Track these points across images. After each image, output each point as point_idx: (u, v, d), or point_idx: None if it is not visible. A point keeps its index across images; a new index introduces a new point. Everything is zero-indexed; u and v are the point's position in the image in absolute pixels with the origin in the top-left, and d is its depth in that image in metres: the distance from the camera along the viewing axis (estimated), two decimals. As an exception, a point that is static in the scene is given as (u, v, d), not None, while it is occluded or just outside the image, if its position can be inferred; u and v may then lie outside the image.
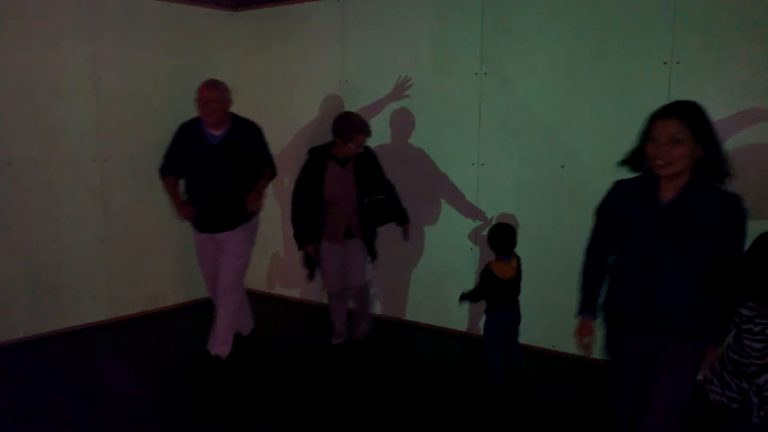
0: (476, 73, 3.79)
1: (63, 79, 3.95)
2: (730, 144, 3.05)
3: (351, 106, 4.39)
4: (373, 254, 3.74)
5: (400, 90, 4.12)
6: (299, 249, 3.64)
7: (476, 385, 3.32)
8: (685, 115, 1.85)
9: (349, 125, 3.45)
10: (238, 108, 5.30)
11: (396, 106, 4.17)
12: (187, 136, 3.44)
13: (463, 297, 3.37)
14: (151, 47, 4.38)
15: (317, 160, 3.56)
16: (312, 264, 3.67)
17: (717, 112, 3.05)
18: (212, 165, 3.38)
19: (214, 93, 3.33)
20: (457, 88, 3.88)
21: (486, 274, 3.28)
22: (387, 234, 4.15)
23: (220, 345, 3.51)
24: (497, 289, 3.27)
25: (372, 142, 4.31)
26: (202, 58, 4.72)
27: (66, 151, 4.00)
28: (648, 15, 3.21)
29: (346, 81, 4.41)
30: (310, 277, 3.71)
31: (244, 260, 3.59)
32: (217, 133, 3.39)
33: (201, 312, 4.38)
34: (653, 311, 1.95)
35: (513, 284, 3.31)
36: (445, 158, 4.02)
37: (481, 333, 3.52)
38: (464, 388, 3.32)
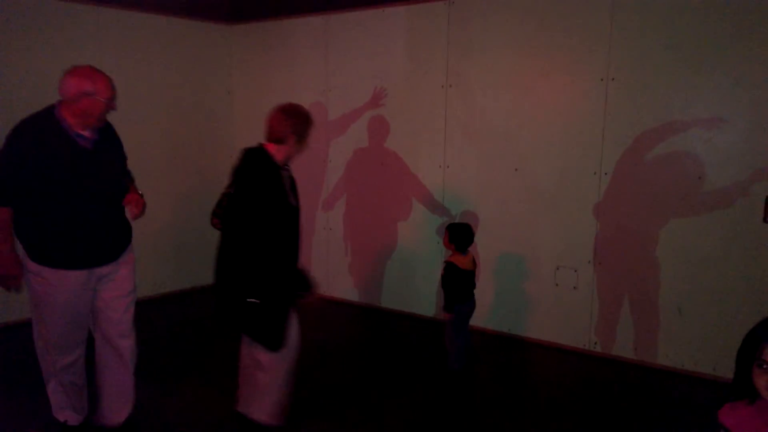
0: (442, 86, 4.25)
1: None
2: (657, 150, 3.53)
3: (333, 114, 4.86)
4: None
5: (377, 99, 4.58)
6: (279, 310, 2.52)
7: (438, 368, 3.74)
8: None
9: (309, 119, 2.65)
10: (233, 116, 5.81)
11: (373, 113, 4.62)
12: (46, 140, 2.42)
13: (448, 307, 3.53)
14: (150, 59, 4.82)
15: (274, 171, 2.49)
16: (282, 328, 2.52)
17: (646, 123, 3.55)
18: (91, 176, 2.51)
19: (111, 89, 2.51)
20: (426, 98, 4.34)
21: (452, 271, 3.50)
22: (366, 227, 4.62)
23: (129, 406, 2.77)
24: (462, 282, 3.53)
25: (351, 146, 4.79)
26: (199, 69, 5.18)
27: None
28: (587, 37, 3.68)
29: (329, 90, 4.86)
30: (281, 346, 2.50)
31: (135, 295, 2.74)
32: (87, 134, 2.52)
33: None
34: None
35: (472, 275, 3.60)
36: (415, 161, 4.48)
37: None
38: (427, 369, 3.76)
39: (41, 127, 2.43)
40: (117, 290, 2.64)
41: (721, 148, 3.36)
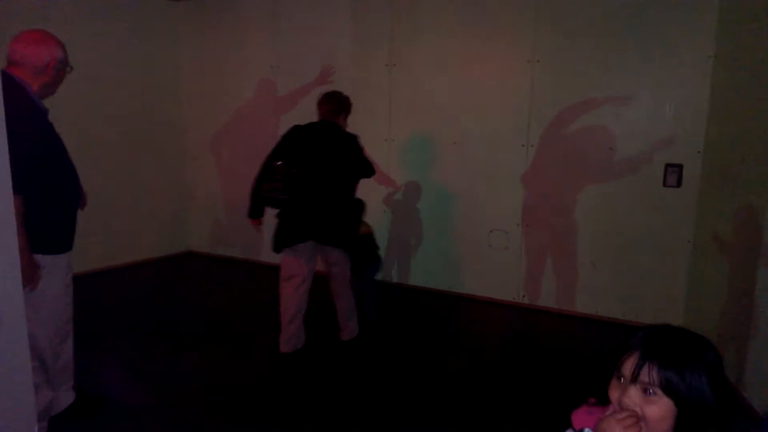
0: (386, 65, 4.56)
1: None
2: (575, 125, 4.00)
3: (283, 90, 5.08)
4: None
5: (325, 76, 4.83)
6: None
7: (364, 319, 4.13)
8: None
9: (351, 102, 3.49)
10: (181, 92, 5.89)
11: (321, 90, 4.86)
12: (29, 114, 2.23)
13: (371, 272, 4.02)
14: (95, 34, 4.85)
15: None
16: None
17: (567, 101, 4.00)
18: (64, 150, 2.42)
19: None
20: (371, 76, 4.64)
21: (367, 239, 3.96)
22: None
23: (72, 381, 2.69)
24: (371, 244, 4.01)
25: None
26: (145, 44, 5.24)
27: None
28: (516, 24, 4.07)
29: (277, 67, 5.07)
30: None
31: None
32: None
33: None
34: None
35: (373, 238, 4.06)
36: (362, 135, 4.76)
37: (394, 281, 4.34)
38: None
39: (18, 99, 2.19)
40: (71, 274, 2.53)
41: (628, 122, 3.86)
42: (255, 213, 3.33)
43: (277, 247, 3.28)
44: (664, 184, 3.80)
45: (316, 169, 3.20)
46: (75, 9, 4.68)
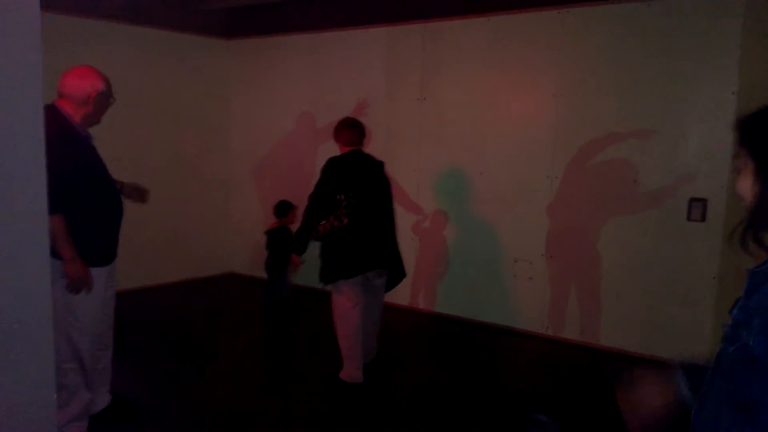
0: (417, 99, 4.79)
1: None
2: (598, 158, 4.06)
3: (321, 122, 5.38)
4: None
5: (360, 109, 5.10)
6: None
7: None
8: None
9: None
10: (230, 123, 6.31)
11: (356, 122, 5.14)
12: (73, 140, 2.54)
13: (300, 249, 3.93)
14: (155, 70, 5.33)
15: None
16: None
17: (590, 134, 4.08)
18: (106, 171, 2.70)
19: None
20: (402, 109, 4.88)
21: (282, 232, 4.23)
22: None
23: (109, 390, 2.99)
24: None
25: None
26: (200, 80, 5.70)
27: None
28: (541, 59, 4.21)
29: (318, 101, 5.39)
30: None
31: None
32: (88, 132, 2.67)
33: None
34: None
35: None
36: (392, 164, 4.97)
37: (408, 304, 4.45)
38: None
39: (61, 127, 2.47)
40: (113, 287, 2.83)
41: (652, 155, 3.89)
42: (302, 249, 3.46)
43: (342, 277, 3.33)
44: (689, 219, 3.78)
45: (371, 199, 3.38)
46: (134, 47, 5.15)
